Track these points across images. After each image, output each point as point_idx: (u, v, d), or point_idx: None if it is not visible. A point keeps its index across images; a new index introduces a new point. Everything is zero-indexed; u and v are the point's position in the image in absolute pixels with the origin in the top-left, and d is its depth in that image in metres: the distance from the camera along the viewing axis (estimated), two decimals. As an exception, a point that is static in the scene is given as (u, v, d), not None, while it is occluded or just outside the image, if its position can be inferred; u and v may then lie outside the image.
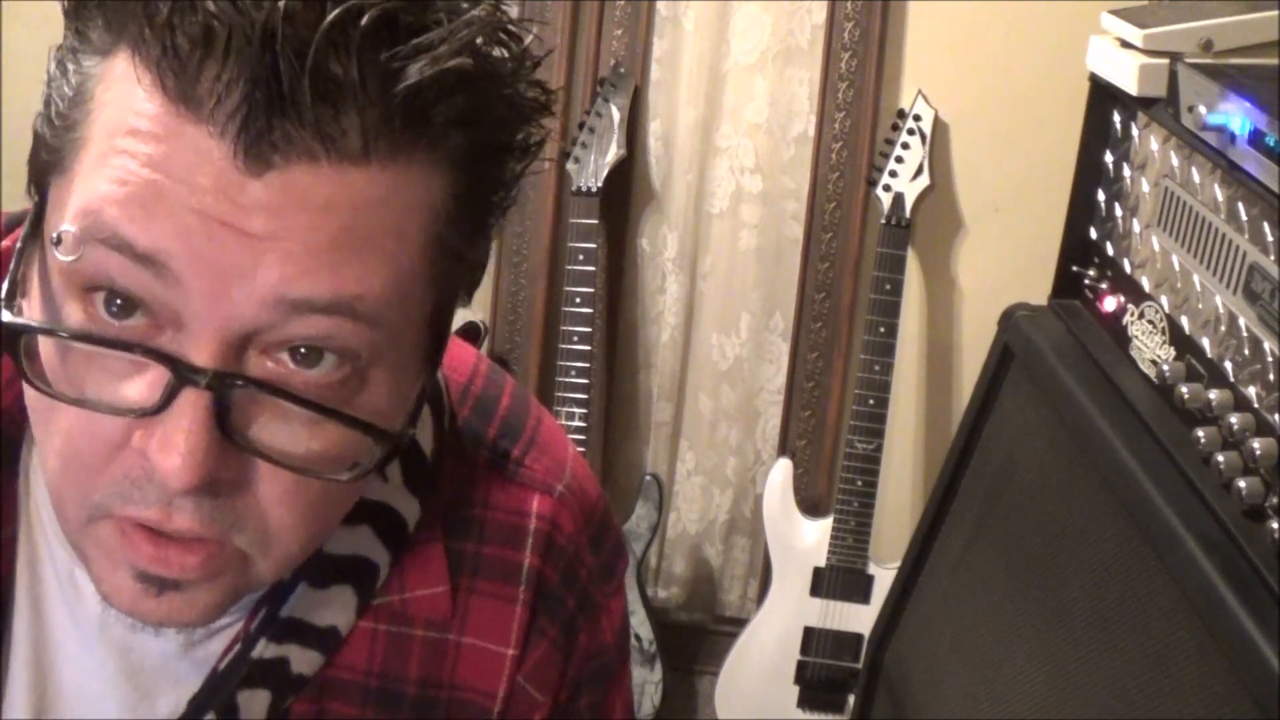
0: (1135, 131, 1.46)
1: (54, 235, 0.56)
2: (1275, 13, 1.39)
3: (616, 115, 2.15)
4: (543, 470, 0.80)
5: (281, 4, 0.53)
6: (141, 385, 0.57)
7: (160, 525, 0.59)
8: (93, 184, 0.56)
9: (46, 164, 0.59)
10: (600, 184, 2.14)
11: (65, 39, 0.59)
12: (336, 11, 0.53)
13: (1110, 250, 1.51)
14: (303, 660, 0.74)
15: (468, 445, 0.79)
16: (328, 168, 0.55)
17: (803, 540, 2.20)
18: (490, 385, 0.82)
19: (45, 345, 0.58)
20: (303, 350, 0.58)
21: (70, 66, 0.58)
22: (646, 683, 2.27)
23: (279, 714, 0.74)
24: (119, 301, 0.56)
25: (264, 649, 0.72)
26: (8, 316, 0.59)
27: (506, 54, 0.60)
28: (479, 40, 0.57)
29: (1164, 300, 1.37)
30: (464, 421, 0.79)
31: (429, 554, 0.76)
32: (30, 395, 0.60)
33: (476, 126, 0.59)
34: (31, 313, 0.59)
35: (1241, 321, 1.22)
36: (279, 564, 0.64)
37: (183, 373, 0.56)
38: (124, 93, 0.56)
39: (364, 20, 0.54)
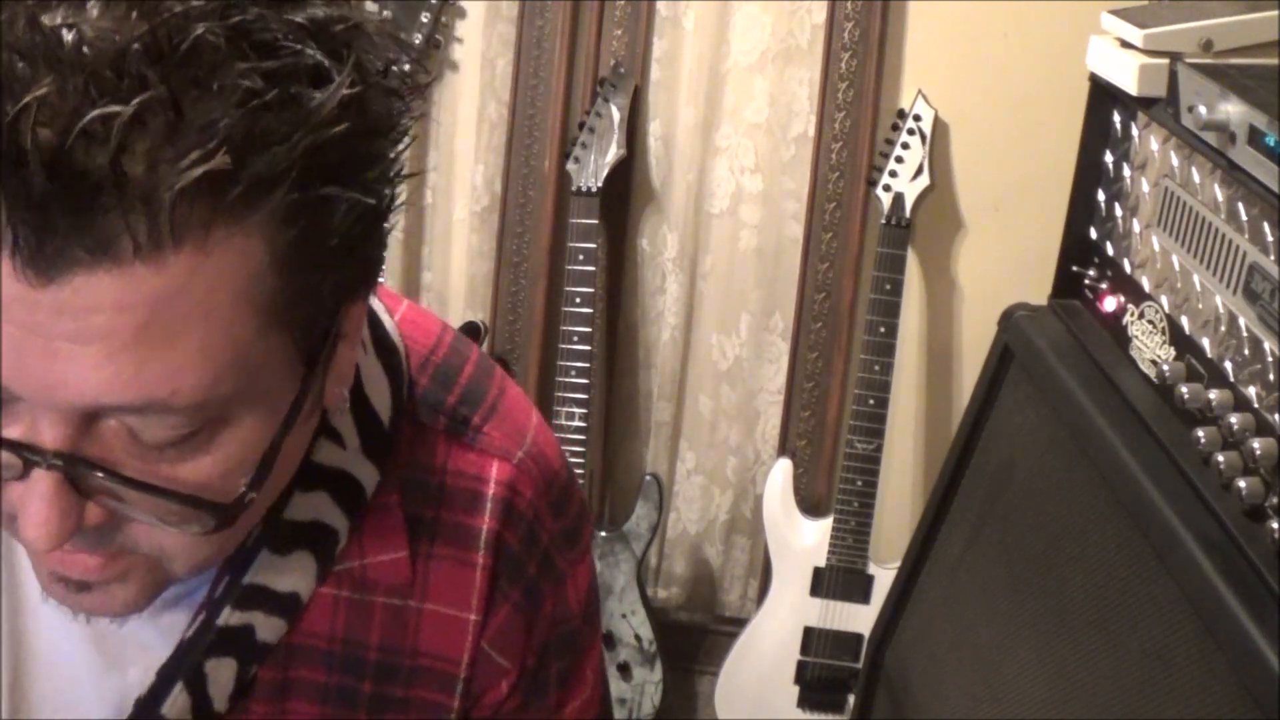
0: (1135, 131, 1.46)
1: None
2: (1275, 13, 1.39)
3: (616, 115, 2.15)
4: (502, 437, 0.80)
5: (31, 101, 0.50)
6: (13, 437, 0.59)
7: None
8: None
9: None
10: (600, 184, 2.14)
11: None
12: (89, 116, 0.50)
13: (1110, 250, 1.51)
14: (267, 627, 0.75)
15: (426, 413, 0.79)
16: (110, 274, 0.53)
17: (803, 540, 2.20)
18: (453, 355, 0.82)
19: None
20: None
21: None
22: (646, 683, 2.27)
23: (245, 682, 0.75)
24: None
25: (229, 616, 0.73)
26: None
27: (319, 82, 0.55)
28: (270, 97, 0.53)
29: (1164, 300, 1.37)
30: (423, 390, 0.80)
31: (388, 520, 0.77)
32: None
33: (290, 176, 0.54)
34: None
35: (1241, 321, 1.22)
36: (192, 566, 0.66)
37: (28, 458, 0.57)
38: None
39: (122, 116, 0.50)
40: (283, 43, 0.54)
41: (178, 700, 0.73)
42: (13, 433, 0.57)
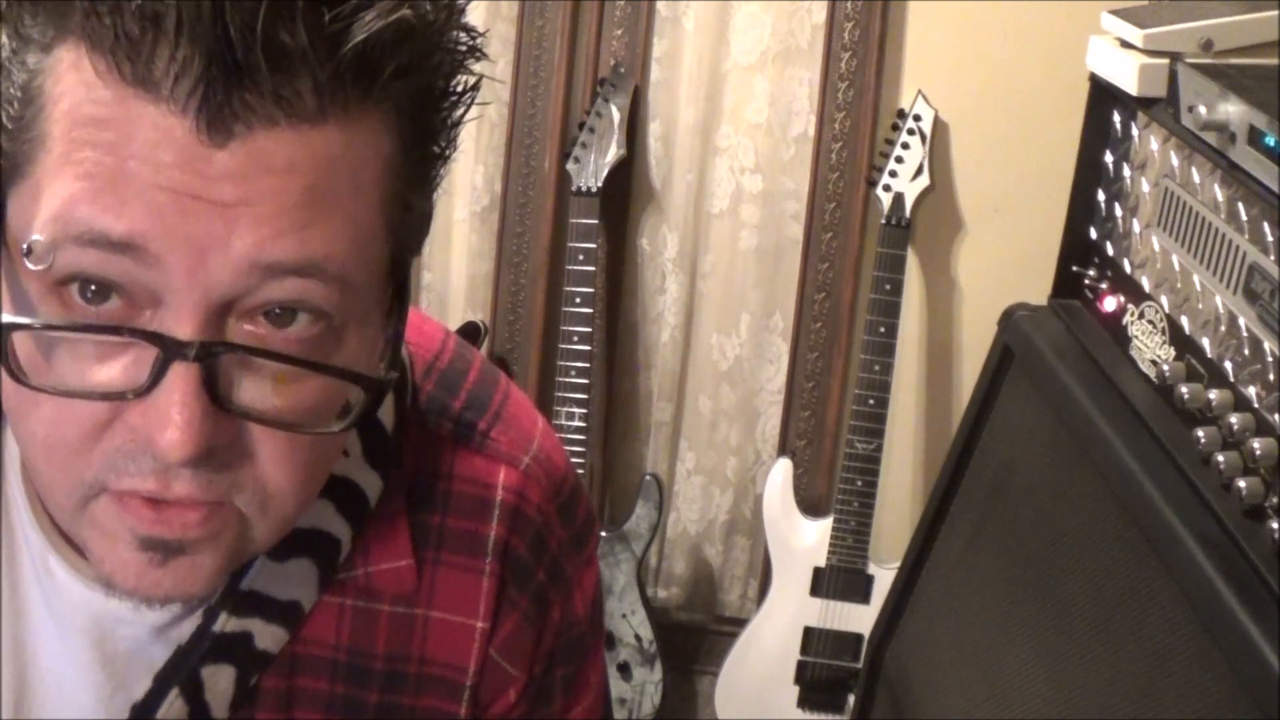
0: (1135, 131, 1.46)
1: (24, 246, 0.57)
2: (1275, 13, 1.39)
3: (616, 115, 2.15)
4: (508, 443, 0.80)
5: None
6: (123, 366, 0.59)
7: (159, 494, 0.60)
8: (59, 186, 0.56)
9: (4, 171, 0.59)
10: (600, 184, 2.14)
11: (2, 42, 0.59)
12: None
13: (1110, 250, 1.51)
14: (266, 635, 0.74)
15: (431, 419, 0.79)
16: (287, 130, 0.56)
17: (803, 540, 2.20)
18: (458, 360, 0.82)
19: (21, 341, 0.59)
20: (277, 311, 0.59)
21: (13, 68, 0.58)
22: (646, 683, 2.27)
23: (247, 691, 0.74)
24: (93, 288, 0.58)
25: (225, 622, 0.73)
26: None
27: (435, 3, 0.61)
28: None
29: (1164, 300, 1.37)
30: (427, 396, 0.79)
31: (392, 527, 0.76)
32: (7, 390, 0.61)
33: (418, 75, 0.61)
34: (4, 310, 0.60)
35: (1241, 321, 1.22)
36: (275, 526, 0.65)
37: (170, 348, 0.57)
38: (76, 83, 0.56)
39: None
40: None
41: (173, 705, 0.73)
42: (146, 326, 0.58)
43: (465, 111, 0.65)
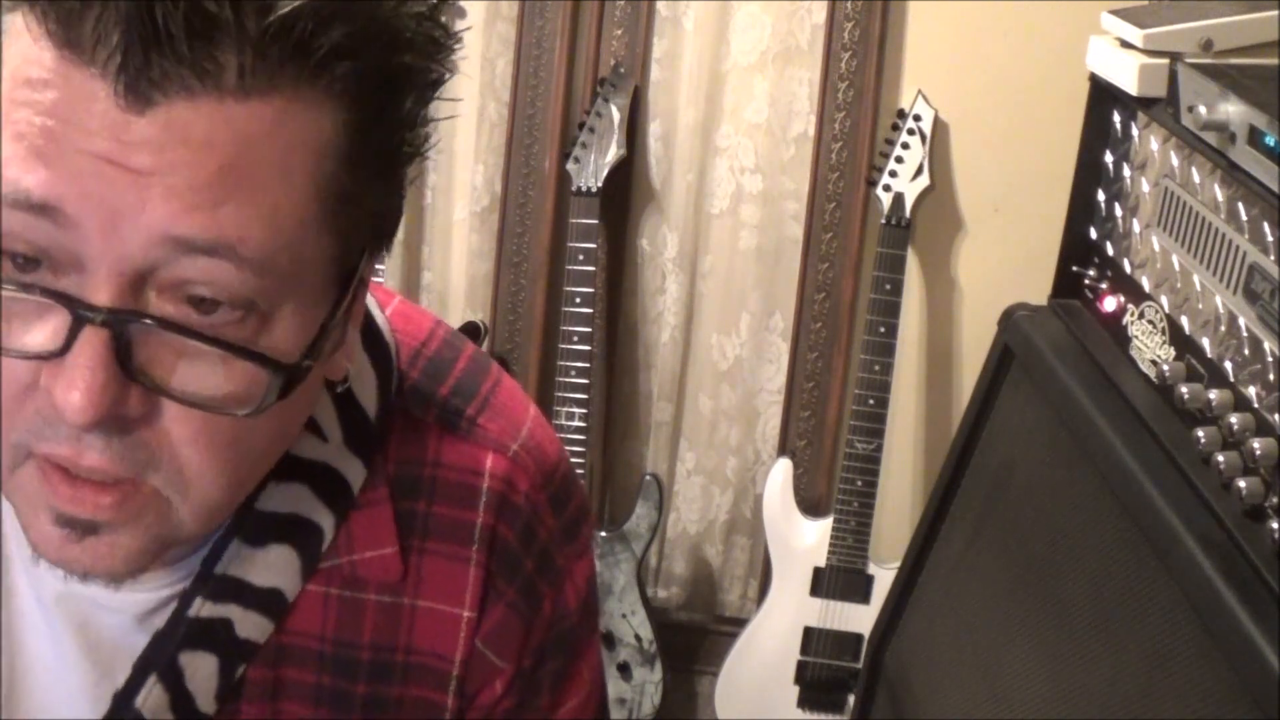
0: (1135, 131, 1.46)
1: None
2: (1275, 13, 1.39)
3: (616, 115, 2.15)
4: (497, 430, 0.79)
5: None
6: (47, 330, 0.59)
7: (72, 463, 0.61)
8: None
9: None
10: (600, 184, 2.14)
11: None
12: None
13: (1110, 250, 1.51)
14: (248, 624, 0.73)
15: (416, 405, 0.78)
16: (207, 102, 0.56)
17: (803, 540, 2.20)
18: (446, 349, 0.81)
19: None
20: (200, 298, 0.59)
21: None
22: (646, 683, 2.27)
23: (232, 681, 0.74)
24: (22, 257, 0.58)
25: (200, 607, 0.72)
26: None
27: None
28: None
29: (1164, 300, 1.37)
30: (413, 383, 0.78)
31: (376, 515, 0.76)
32: None
33: (361, 57, 0.59)
34: None
35: (1241, 321, 1.22)
36: (201, 510, 0.65)
37: (80, 311, 0.58)
38: (21, 46, 0.57)
39: None
40: None
41: (153, 693, 0.72)
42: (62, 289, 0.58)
43: (428, 102, 0.63)
